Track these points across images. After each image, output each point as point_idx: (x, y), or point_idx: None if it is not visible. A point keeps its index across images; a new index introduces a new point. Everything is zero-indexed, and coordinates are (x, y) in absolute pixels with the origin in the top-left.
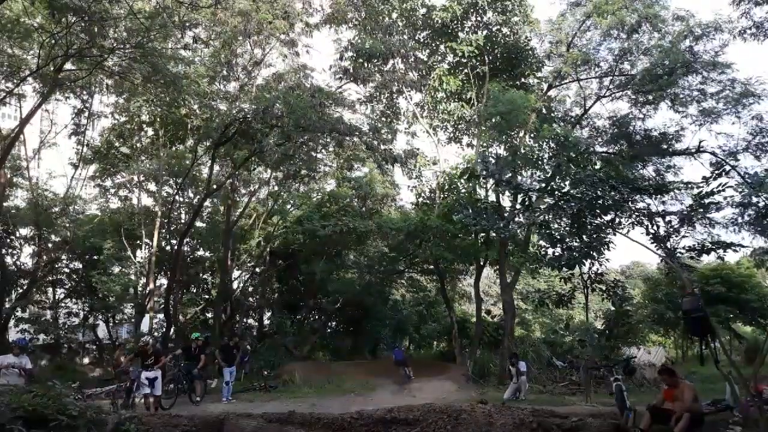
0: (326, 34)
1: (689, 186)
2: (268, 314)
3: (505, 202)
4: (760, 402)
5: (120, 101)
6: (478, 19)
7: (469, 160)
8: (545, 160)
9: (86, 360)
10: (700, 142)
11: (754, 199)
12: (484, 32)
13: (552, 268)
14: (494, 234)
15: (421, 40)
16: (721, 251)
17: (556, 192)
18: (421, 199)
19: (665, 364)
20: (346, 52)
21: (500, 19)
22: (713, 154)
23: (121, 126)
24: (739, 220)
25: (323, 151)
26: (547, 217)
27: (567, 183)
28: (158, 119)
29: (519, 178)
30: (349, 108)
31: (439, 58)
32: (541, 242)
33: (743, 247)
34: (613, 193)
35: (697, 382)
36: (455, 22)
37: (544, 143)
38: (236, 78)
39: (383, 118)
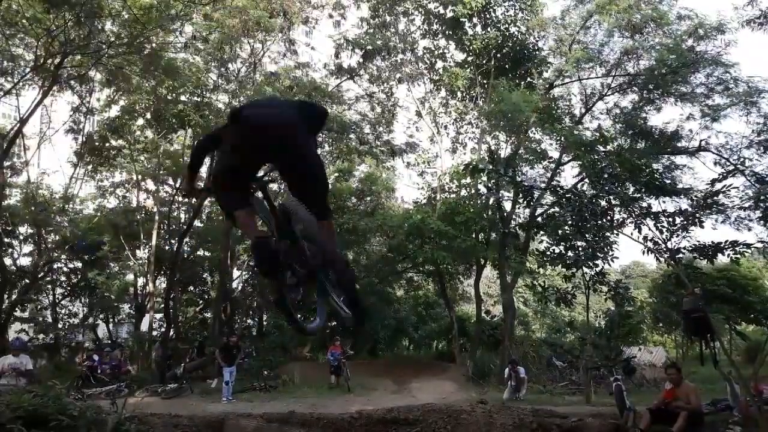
0: (327, 29)
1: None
2: (268, 314)
3: (506, 205)
4: (760, 402)
5: (111, 93)
6: (488, 16)
7: (474, 152)
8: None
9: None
10: (700, 141)
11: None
12: (494, 29)
13: (555, 266)
14: (495, 234)
15: (429, 34)
16: (730, 251)
17: (558, 189)
18: (422, 198)
19: (670, 360)
20: (342, 49)
21: (510, 16)
22: (718, 153)
23: (113, 121)
24: (751, 215)
25: (319, 148)
26: (551, 212)
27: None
28: (151, 113)
29: (522, 175)
30: (347, 105)
31: (444, 54)
32: (546, 240)
33: (750, 246)
34: (619, 189)
35: (697, 382)
36: (469, 17)
37: (549, 140)
38: (235, 75)
39: (383, 114)
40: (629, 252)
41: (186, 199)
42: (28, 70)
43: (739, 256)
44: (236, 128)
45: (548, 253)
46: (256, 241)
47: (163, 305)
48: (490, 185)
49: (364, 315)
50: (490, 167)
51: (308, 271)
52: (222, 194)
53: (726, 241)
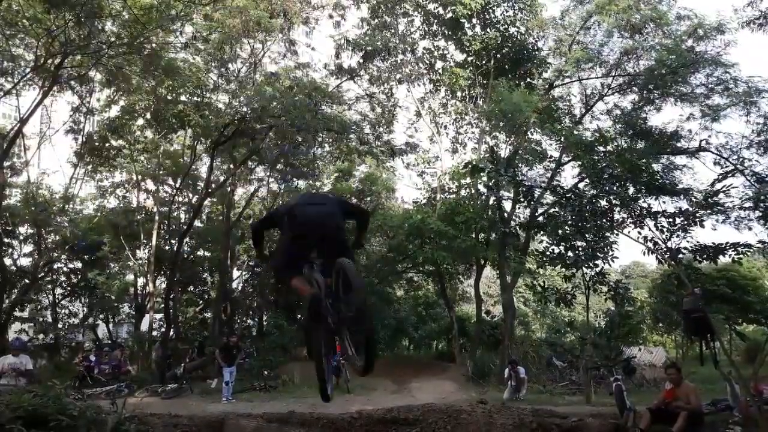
0: (327, 29)
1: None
2: (268, 314)
3: (506, 205)
4: (760, 402)
5: (111, 93)
6: (487, 17)
7: (474, 152)
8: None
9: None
10: (700, 141)
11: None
12: (493, 30)
13: (555, 266)
14: (495, 234)
15: (429, 35)
16: (732, 252)
17: (559, 188)
18: (422, 198)
19: (670, 360)
20: (343, 50)
21: (509, 17)
22: (718, 154)
23: (113, 121)
24: (751, 215)
25: (320, 148)
26: (552, 211)
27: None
28: (151, 113)
29: (522, 175)
30: (347, 105)
31: (444, 54)
32: (546, 240)
33: (751, 247)
34: (619, 189)
35: (697, 382)
36: (468, 17)
37: (549, 141)
38: (235, 75)
39: (383, 114)
40: (629, 252)
41: (185, 199)
42: (28, 70)
43: (741, 257)
44: (292, 223)
45: (548, 253)
46: (312, 298)
47: (163, 305)
48: (490, 184)
49: (373, 365)
50: (491, 166)
51: (340, 322)
52: (282, 269)
53: (727, 243)
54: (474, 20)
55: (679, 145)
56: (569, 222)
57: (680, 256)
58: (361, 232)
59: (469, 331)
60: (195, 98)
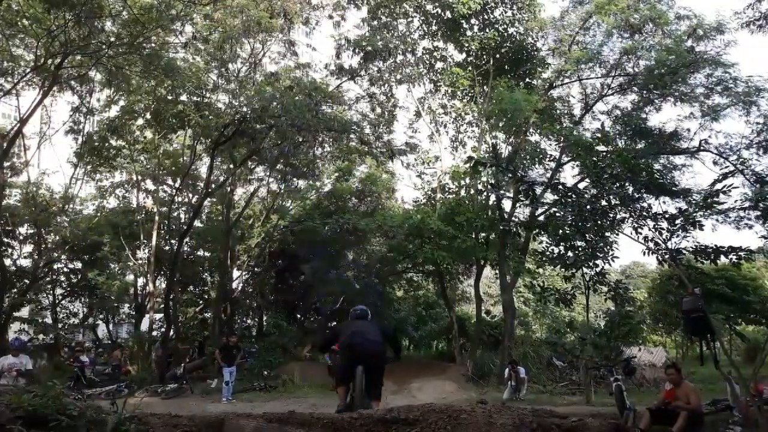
0: (327, 29)
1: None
2: (268, 314)
3: (506, 205)
4: (760, 402)
5: (111, 93)
6: (486, 17)
7: (474, 150)
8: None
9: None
10: (700, 141)
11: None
12: (492, 30)
13: (555, 267)
14: (494, 234)
15: (428, 35)
16: (733, 255)
17: (560, 186)
18: (422, 198)
19: (670, 360)
20: (343, 50)
21: (508, 17)
22: (719, 153)
23: (113, 120)
24: (750, 214)
25: (320, 148)
26: (552, 212)
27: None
28: (151, 113)
29: (522, 173)
30: (347, 106)
31: (444, 56)
32: (545, 240)
33: (753, 253)
34: (620, 189)
35: (697, 382)
36: (467, 17)
37: (548, 140)
38: (235, 75)
39: (383, 114)
40: (629, 252)
41: (185, 199)
42: (28, 70)
43: (741, 262)
44: (346, 347)
45: (548, 253)
46: (342, 407)
47: (163, 305)
48: (492, 181)
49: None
50: (493, 161)
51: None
52: (338, 376)
53: (728, 247)
54: (473, 20)
55: (678, 145)
56: (569, 222)
57: (680, 256)
58: (396, 351)
59: (469, 331)
60: (195, 98)
